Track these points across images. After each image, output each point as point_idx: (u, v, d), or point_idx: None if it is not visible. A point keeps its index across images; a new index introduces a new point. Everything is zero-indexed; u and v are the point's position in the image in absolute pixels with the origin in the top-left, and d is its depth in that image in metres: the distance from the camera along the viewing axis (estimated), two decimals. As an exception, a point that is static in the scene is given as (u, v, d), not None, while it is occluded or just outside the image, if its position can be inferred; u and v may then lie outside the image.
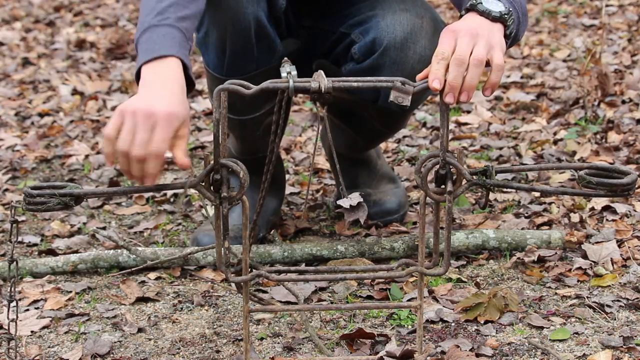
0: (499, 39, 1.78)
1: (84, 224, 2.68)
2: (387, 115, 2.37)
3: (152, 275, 2.34)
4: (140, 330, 2.08)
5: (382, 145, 3.08)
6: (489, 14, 1.80)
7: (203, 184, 1.69)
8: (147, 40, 1.84)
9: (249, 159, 2.41)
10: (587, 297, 2.12)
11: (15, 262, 1.79)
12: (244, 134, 2.41)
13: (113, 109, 3.74)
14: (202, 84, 4.00)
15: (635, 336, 1.94)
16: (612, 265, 2.24)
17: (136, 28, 1.94)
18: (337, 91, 1.68)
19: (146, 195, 2.82)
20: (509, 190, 2.65)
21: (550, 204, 2.59)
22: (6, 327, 1.92)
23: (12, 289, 1.80)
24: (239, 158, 2.45)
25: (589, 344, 1.93)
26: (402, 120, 2.48)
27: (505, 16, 1.80)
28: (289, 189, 2.78)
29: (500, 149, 3.07)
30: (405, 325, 2.05)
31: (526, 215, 2.55)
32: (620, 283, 2.17)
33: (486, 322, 2.03)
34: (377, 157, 2.67)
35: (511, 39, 1.86)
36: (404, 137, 3.25)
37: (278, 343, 2.00)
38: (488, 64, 1.77)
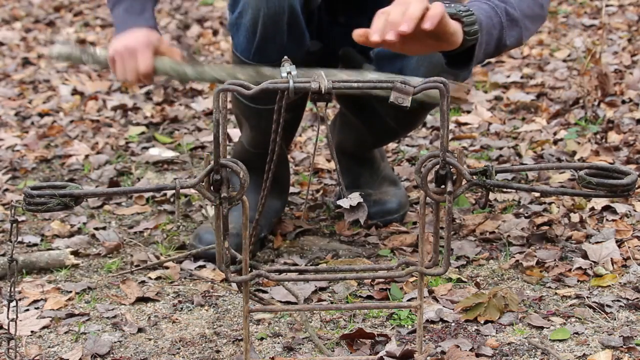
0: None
1: (84, 224, 2.68)
2: (402, 112, 2.36)
3: (152, 275, 2.34)
4: (140, 330, 2.08)
5: (383, 145, 3.08)
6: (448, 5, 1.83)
7: (203, 183, 1.69)
8: (117, 17, 2.38)
9: (261, 152, 2.40)
10: (587, 297, 2.12)
11: (15, 262, 1.79)
12: (260, 124, 2.40)
13: (113, 109, 3.74)
14: (201, 84, 4.00)
15: (635, 336, 1.94)
16: (612, 265, 2.24)
17: None
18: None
19: (146, 195, 2.82)
20: (509, 190, 2.65)
21: (550, 204, 2.59)
22: (6, 327, 1.92)
23: (12, 288, 1.80)
24: (250, 152, 2.46)
25: (589, 344, 1.93)
26: (415, 120, 2.47)
27: (461, 12, 1.82)
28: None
29: (500, 149, 3.07)
30: (405, 325, 2.05)
31: (526, 215, 2.55)
32: (620, 283, 2.17)
33: (486, 322, 2.03)
34: (381, 159, 2.67)
35: (495, 44, 1.87)
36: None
37: (278, 343, 2.00)
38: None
